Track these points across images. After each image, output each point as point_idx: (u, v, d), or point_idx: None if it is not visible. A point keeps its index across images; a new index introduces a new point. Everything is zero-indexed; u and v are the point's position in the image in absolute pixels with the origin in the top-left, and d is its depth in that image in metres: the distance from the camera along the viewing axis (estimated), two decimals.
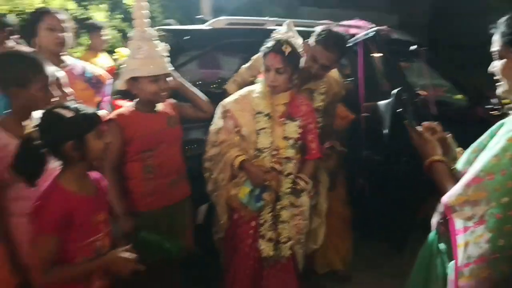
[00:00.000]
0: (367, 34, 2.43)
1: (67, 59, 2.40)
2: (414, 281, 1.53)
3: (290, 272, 2.20)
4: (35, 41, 2.35)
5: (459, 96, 3.45)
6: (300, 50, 2.08)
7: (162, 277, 2.17)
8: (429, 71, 2.59)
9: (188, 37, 2.84)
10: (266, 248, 2.13)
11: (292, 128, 2.09)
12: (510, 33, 1.26)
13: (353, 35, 2.70)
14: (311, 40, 2.24)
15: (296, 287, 2.22)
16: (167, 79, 2.08)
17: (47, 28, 2.30)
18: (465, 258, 1.19)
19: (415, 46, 2.59)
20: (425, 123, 1.55)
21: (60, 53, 2.35)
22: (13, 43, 3.16)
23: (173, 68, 2.73)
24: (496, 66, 1.32)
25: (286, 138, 2.09)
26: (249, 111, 2.12)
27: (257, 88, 2.16)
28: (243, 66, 2.50)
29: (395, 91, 2.17)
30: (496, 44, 1.31)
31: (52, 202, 1.45)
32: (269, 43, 2.06)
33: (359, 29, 2.89)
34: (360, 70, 2.39)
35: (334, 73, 2.43)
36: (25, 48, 2.40)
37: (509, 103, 1.32)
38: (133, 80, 2.03)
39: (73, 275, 1.52)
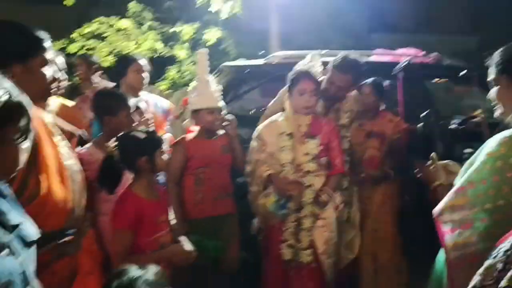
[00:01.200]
0: (402, 63, 2.63)
1: (143, 94, 2.99)
2: None
3: (316, 279, 2.37)
4: (124, 79, 2.93)
5: None
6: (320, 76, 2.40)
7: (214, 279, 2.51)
8: (482, 95, 2.65)
9: (248, 71, 3.28)
10: (285, 252, 2.38)
11: (312, 145, 2.37)
12: (501, 63, 1.44)
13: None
14: (329, 66, 2.55)
15: None
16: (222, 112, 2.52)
17: (134, 70, 2.91)
18: (456, 258, 1.33)
19: (464, 72, 2.70)
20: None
21: (141, 89, 2.92)
22: (98, 79, 3.86)
23: (237, 96, 3.17)
24: (492, 92, 1.48)
25: (307, 154, 2.36)
26: (275, 132, 2.45)
27: (283, 113, 2.48)
28: (271, 102, 2.83)
29: (422, 114, 2.34)
30: (491, 74, 1.48)
31: (127, 205, 1.89)
32: (296, 72, 2.39)
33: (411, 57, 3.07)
34: (400, 95, 2.59)
35: (355, 93, 2.72)
36: (107, 83, 2.98)
37: None
38: (194, 112, 2.49)
39: (144, 263, 1.89)
